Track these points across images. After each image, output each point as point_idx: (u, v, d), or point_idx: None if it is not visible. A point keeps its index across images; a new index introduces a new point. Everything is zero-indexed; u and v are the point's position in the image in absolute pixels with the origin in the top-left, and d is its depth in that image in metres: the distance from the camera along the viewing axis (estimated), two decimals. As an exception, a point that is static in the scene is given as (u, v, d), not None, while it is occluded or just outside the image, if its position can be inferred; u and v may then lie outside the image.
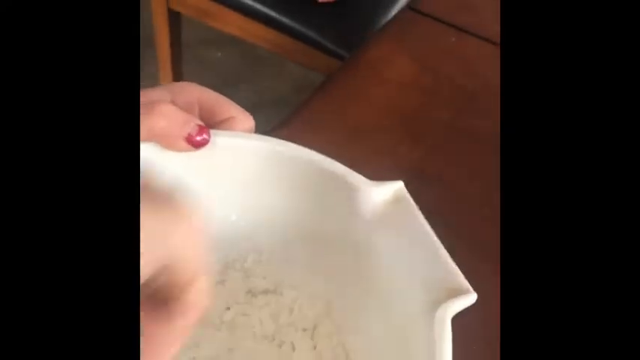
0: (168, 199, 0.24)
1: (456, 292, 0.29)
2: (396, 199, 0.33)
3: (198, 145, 0.31)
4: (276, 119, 0.61)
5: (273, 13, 1.09)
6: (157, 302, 0.25)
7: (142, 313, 0.24)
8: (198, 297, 0.25)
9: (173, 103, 0.31)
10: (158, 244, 0.23)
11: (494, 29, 0.73)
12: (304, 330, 0.40)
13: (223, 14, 1.15)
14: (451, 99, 0.66)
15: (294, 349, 0.40)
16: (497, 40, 0.72)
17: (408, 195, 0.33)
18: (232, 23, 1.16)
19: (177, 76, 1.38)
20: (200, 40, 1.64)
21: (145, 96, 0.32)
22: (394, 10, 1.09)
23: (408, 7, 0.76)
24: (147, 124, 0.29)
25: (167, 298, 0.25)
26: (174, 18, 1.25)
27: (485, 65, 0.70)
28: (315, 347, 0.39)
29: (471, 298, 0.29)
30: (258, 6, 1.10)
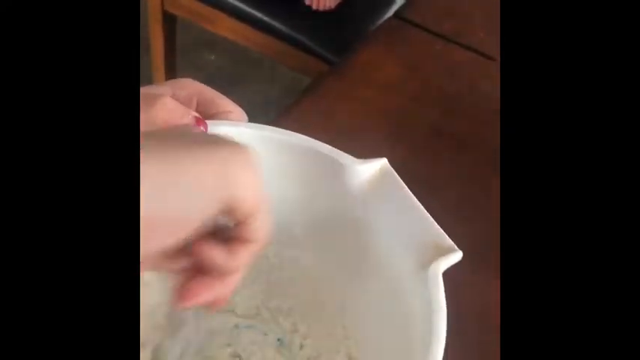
0: (231, 145, 0.27)
1: (444, 251, 0.32)
2: (382, 174, 0.36)
3: None
4: (267, 122, 0.62)
5: (266, 18, 1.12)
6: (222, 238, 0.28)
7: (209, 248, 0.28)
8: (257, 231, 0.28)
9: (174, 96, 0.34)
10: (221, 186, 0.26)
11: (479, 36, 0.75)
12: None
13: (217, 17, 1.17)
14: (436, 102, 0.69)
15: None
16: (482, 47, 0.74)
17: (392, 169, 0.36)
18: (226, 26, 1.18)
19: (171, 78, 1.39)
20: (194, 42, 1.66)
21: (149, 91, 0.34)
22: (385, 18, 1.12)
23: (395, 15, 0.78)
24: (149, 115, 0.32)
25: (230, 234, 0.28)
26: (170, 20, 1.27)
27: (470, 70, 0.73)
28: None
29: (457, 255, 0.32)
30: (252, 10, 1.12)
